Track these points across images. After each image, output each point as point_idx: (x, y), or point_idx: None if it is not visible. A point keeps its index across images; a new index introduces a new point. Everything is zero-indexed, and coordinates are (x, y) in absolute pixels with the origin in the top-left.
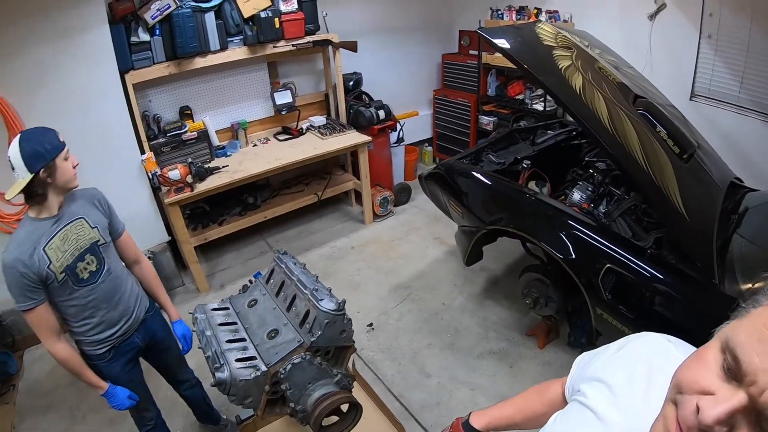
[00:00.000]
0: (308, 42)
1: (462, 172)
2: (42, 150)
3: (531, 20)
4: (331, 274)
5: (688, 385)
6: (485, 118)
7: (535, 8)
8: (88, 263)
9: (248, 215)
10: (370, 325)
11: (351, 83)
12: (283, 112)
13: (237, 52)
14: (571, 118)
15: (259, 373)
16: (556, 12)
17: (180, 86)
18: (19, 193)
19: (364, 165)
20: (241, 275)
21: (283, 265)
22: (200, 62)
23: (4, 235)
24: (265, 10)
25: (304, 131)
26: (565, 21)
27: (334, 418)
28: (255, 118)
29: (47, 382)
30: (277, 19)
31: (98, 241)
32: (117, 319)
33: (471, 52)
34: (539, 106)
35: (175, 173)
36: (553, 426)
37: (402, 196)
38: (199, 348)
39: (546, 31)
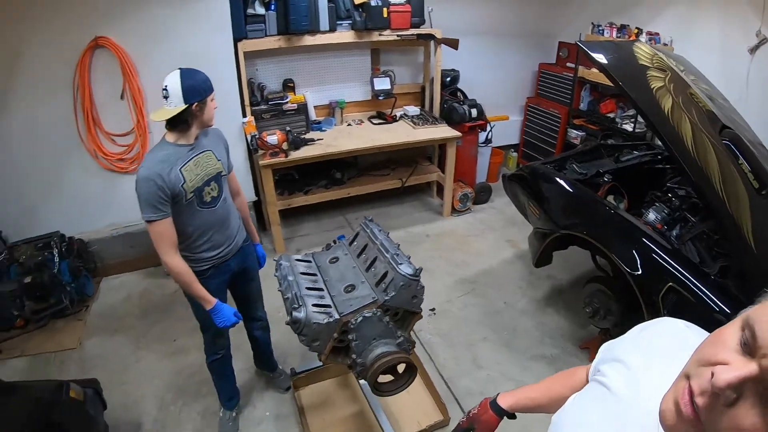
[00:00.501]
0: (412, 34)
1: (545, 176)
2: (199, 87)
3: (630, 39)
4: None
5: (707, 358)
6: (574, 131)
7: (636, 28)
8: (212, 189)
9: (333, 189)
10: (433, 309)
11: (448, 79)
12: (380, 98)
13: (344, 35)
14: (658, 142)
15: (331, 320)
16: (657, 34)
17: (286, 60)
18: (166, 119)
19: (451, 159)
20: (317, 243)
21: (368, 230)
22: (309, 40)
23: (105, 171)
24: None
25: (397, 118)
26: (665, 44)
27: (389, 378)
28: (352, 100)
29: (119, 309)
30: (385, 9)
31: (221, 171)
32: (222, 242)
33: (568, 64)
34: (629, 126)
35: (273, 138)
36: (570, 405)
37: (482, 195)
38: (278, 291)
39: (643, 51)
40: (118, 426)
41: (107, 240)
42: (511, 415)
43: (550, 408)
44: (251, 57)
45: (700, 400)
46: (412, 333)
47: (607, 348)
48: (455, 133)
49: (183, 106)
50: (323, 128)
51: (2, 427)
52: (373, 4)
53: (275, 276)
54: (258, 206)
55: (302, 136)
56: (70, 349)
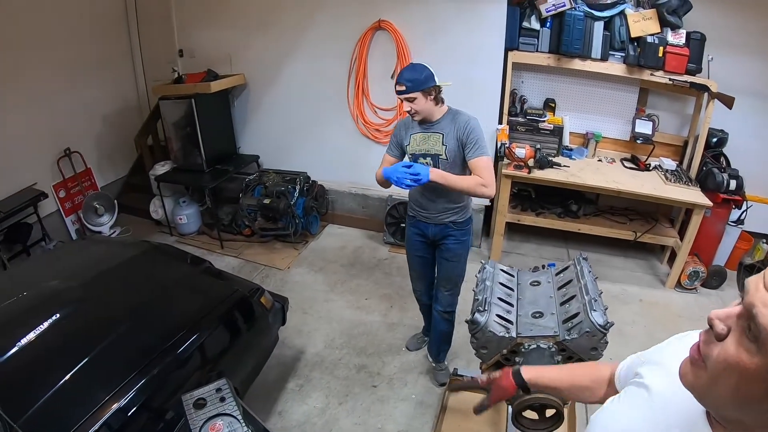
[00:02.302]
0: (686, 81)
1: None
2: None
3: None
4: (607, 311)
5: None
6: None
7: None
8: (427, 162)
9: (565, 219)
10: None
11: (714, 140)
12: (638, 141)
13: (615, 67)
14: None
15: (507, 336)
16: None
17: (552, 79)
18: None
19: (693, 228)
20: (530, 266)
21: (578, 267)
22: (578, 64)
23: (361, 136)
24: (652, 35)
25: (650, 168)
26: None
27: (534, 415)
28: (609, 136)
29: (331, 253)
30: (661, 48)
31: (440, 154)
32: (423, 206)
33: None
34: None
35: (521, 151)
36: (610, 405)
37: (714, 279)
38: (473, 290)
39: None
40: (286, 343)
41: (344, 194)
42: (526, 389)
43: (567, 392)
44: (518, 69)
45: (701, 339)
46: None
47: (638, 356)
48: (706, 201)
49: None
50: (573, 156)
51: (205, 297)
52: (649, 40)
53: (475, 276)
54: (488, 212)
55: (550, 158)
56: (277, 269)
